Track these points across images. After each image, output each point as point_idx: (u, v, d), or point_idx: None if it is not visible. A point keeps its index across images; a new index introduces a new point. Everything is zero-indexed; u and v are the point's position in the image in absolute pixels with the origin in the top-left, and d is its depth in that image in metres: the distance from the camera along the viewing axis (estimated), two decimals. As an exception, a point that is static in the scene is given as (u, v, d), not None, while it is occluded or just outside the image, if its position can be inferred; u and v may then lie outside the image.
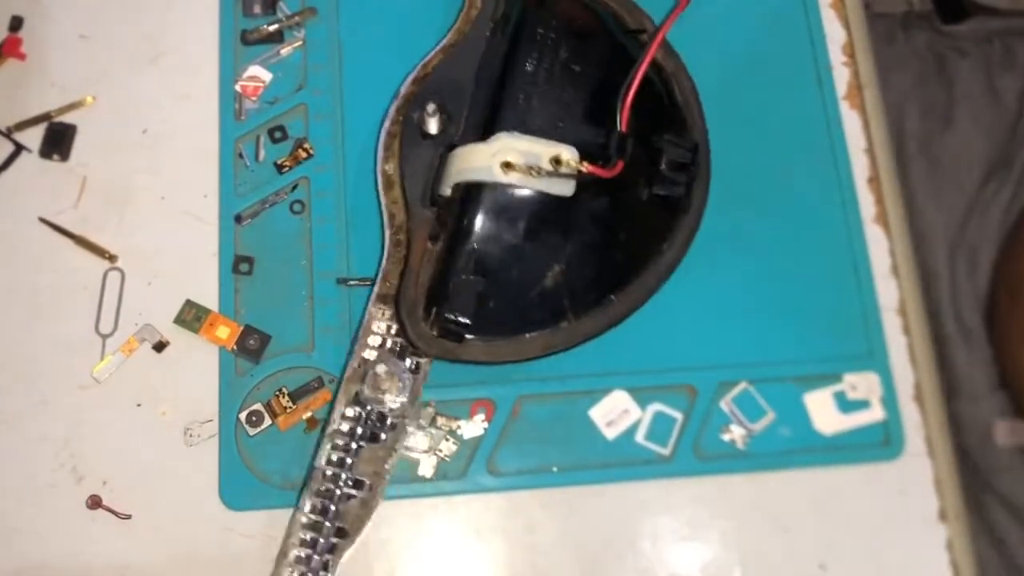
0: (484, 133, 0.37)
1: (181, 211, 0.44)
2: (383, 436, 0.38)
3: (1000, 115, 0.68)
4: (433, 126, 0.39)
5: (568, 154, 0.36)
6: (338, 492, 0.37)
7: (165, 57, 0.46)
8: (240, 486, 0.40)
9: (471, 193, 0.37)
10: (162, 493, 0.40)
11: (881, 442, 0.42)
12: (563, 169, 0.36)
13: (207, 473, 0.40)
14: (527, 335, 0.38)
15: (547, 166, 0.36)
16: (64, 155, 0.44)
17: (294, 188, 0.44)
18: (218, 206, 0.43)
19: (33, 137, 0.45)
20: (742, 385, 0.42)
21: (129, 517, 0.40)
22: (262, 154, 0.44)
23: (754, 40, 0.47)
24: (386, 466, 0.38)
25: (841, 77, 0.47)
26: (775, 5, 0.48)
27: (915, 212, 0.65)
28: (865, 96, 0.47)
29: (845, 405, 0.42)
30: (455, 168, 0.37)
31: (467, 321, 0.37)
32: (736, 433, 0.42)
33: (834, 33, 0.48)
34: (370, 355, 0.38)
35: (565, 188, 0.36)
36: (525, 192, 0.36)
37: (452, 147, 0.39)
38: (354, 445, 0.38)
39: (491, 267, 0.35)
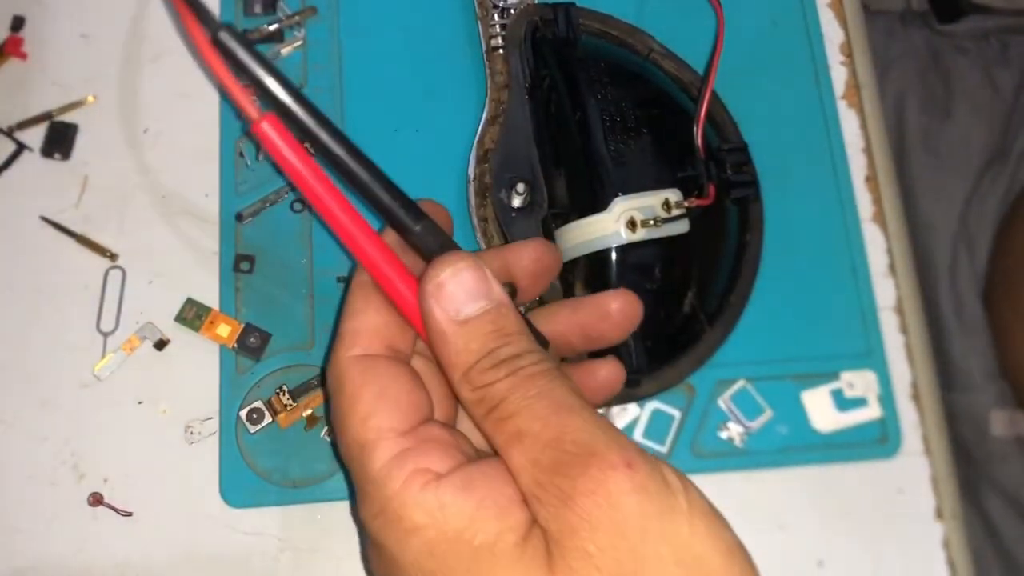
0: (593, 202, 0.38)
1: (182, 210, 0.44)
2: None
3: (997, 107, 0.68)
4: (518, 201, 0.41)
5: (674, 196, 0.39)
6: None
7: (166, 56, 0.46)
8: (241, 483, 0.40)
9: (603, 257, 0.38)
10: (163, 490, 0.40)
11: (878, 440, 0.42)
12: (675, 211, 0.38)
13: (208, 471, 0.40)
14: (682, 357, 0.41)
15: (661, 213, 0.38)
16: (65, 154, 0.44)
17: (294, 187, 0.44)
18: (219, 205, 0.44)
19: (34, 136, 0.45)
20: (740, 383, 0.42)
21: (130, 515, 0.40)
22: (262, 153, 0.44)
23: (752, 40, 0.47)
24: None
25: (839, 77, 0.48)
26: (773, 5, 0.48)
27: (916, 202, 0.66)
28: (863, 95, 0.47)
29: (842, 403, 0.43)
30: (579, 239, 0.39)
31: (645, 370, 0.39)
32: (734, 431, 0.42)
33: (832, 33, 0.48)
34: None
35: (682, 227, 0.39)
36: (649, 241, 0.38)
37: (555, 217, 0.40)
38: None
39: (644, 317, 0.37)
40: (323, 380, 0.40)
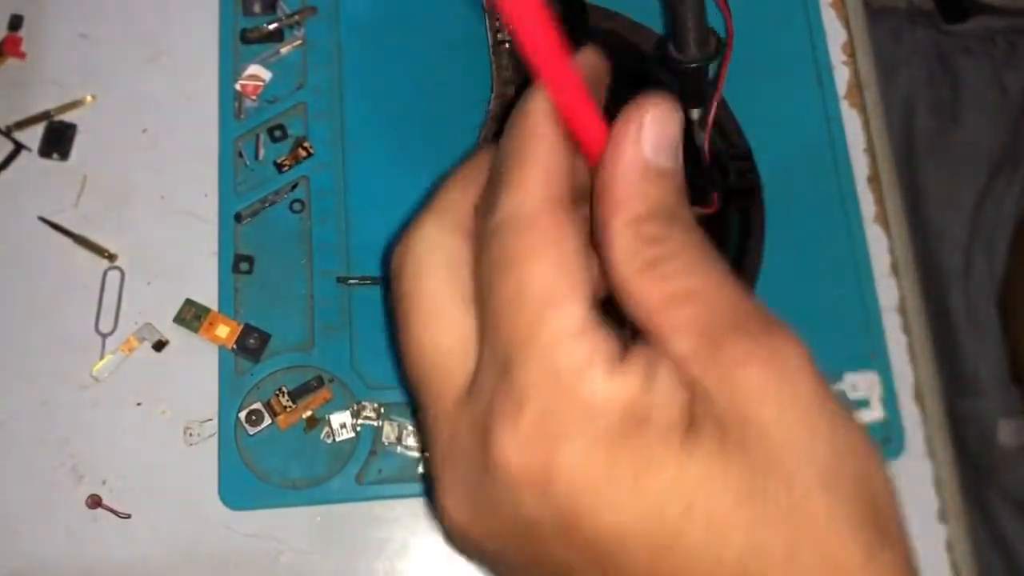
0: None
1: (181, 210, 0.44)
2: None
3: (1006, 109, 0.68)
4: None
5: None
6: None
7: (165, 56, 0.46)
8: (240, 485, 0.40)
9: None
10: (162, 492, 0.40)
11: (881, 442, 0.42)
12: None
13: (207, 472, 0.40)
14: None
15: None
16: (64, 154, 0.44)
17: (294, 187, 0.44)
18: (218, 205, 0.43)
19: (33, 136, 0.44)
20: (742, 385, 0.42)
21: (129, 516, 0.40)
22: (262, 153, 0.44)
23: (754, 39, 0.46)
24: None
25: (841, 76, 0.47)
26: (775, 5, 0.48)
27: (925, 206, 0.65)
28: (865, 95, 0.47)
29: (846, 404, 0.42)
30: None
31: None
32: (736, 433, 0.42)
33: (834, 33, 0.48)
34: None
35: None
36: None
37: None
38: None
39: None
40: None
